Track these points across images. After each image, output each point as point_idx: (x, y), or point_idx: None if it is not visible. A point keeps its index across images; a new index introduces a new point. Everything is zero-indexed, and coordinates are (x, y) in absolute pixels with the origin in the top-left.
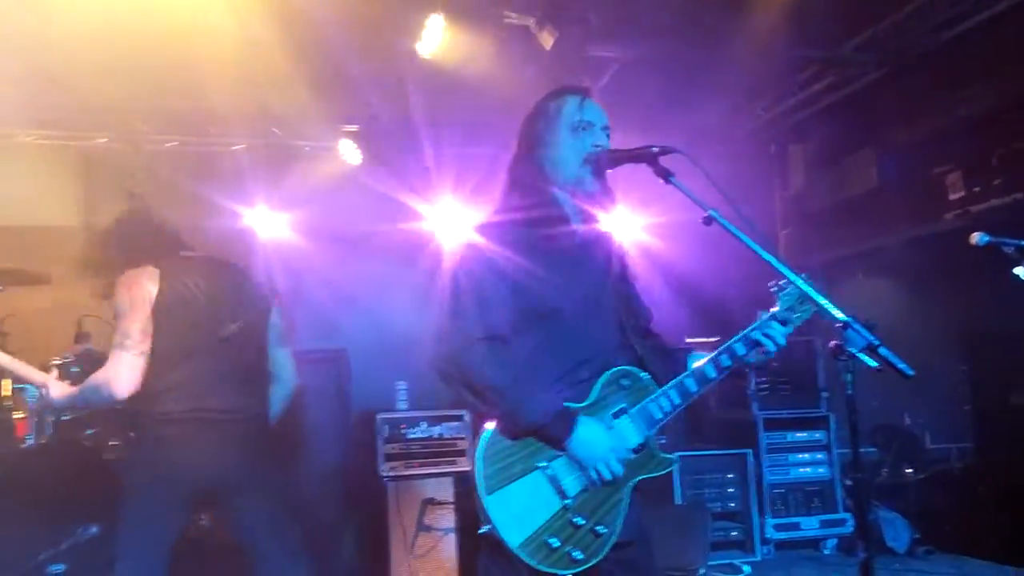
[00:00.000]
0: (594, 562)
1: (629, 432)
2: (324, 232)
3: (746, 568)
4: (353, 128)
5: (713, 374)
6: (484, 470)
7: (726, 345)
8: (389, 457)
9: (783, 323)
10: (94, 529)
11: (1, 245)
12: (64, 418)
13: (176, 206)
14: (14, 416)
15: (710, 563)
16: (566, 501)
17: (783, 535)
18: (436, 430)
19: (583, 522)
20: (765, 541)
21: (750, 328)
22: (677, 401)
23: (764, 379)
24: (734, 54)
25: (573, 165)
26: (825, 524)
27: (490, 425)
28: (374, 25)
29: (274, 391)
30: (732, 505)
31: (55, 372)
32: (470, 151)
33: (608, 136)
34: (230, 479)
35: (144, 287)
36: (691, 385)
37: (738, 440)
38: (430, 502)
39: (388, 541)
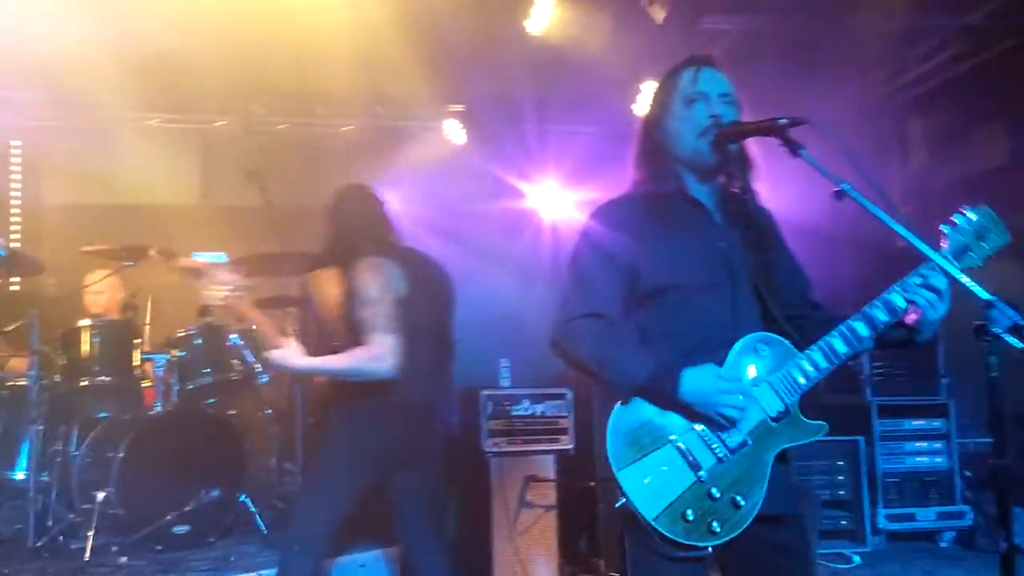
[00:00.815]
0: (735, 534)
1: (768, 399)
2: (428, 211)
3: (856, 558)
4: (459, 108)
5: (866, 332)
6: (615, 445)
7: (881, 298)
8: (492, 433)
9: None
10: (215, 493)
11: (130, 223)
12: (188, 387)
13: (286, 186)
14: (143, 384)
15: (819, 551)
16: (700, 473)
17: (896, 526)
18: (539, 408)
19: (720, 494)
20: (876, 531)
21: (908, 275)
22: (823, 364)
23: (879, 363)
24: (854, 24)
25: (689, 138)
26: (942, 516)
27: (619, 401)
28: (483, 3)
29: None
30: (842, 493)
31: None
32: (575, 129)
33: (730, 104)
34: (408, 454)
35: (389, 276)
36: (839, 345)
37: (849, 426)
38: (532, 479)
39: (490, 517)
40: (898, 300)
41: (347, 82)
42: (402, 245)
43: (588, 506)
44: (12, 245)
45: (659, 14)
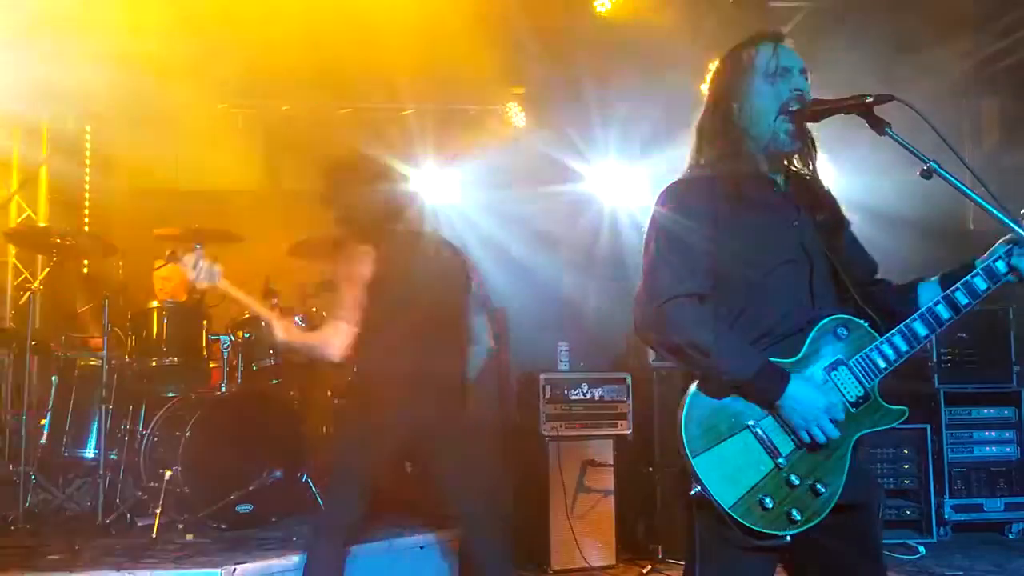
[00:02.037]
0: (815, 522)
1: (848, 384)
2: (487, 193)
3: (921, 549)
4: (520, 90)
5: (947, 315)
6: (689, 431)
7: (963, 281)
8: (550, 417)
9: None
10: (278, 473)
11: (197, 207)
12: (252, 368)
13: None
14: (210, 365)
15: (882, 542)
16: (779, 460)
17: (962, 516)
18: (597, 392)
19: (799, 481)
20: (942, 522)
21: (989, 258)
22: (904, 348)
23: (948, 349)
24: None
25: (770, 115)
26: (1011, 507)
27: (692, 386)
28: None
29: (473, 353)
30: (907, 482)
31: (277, 312)
32: (638, 111)
33: (807, 80)
34: (425, 431)
35: (358, 267)
36: (920, 329)
37: (915, 414)
38: (590, 463)
39: (548, 500)
40: (980, 283)
41: (408, 65)
42: (406, 229)
43: (646, 492)
44: (83, 229)
45: None
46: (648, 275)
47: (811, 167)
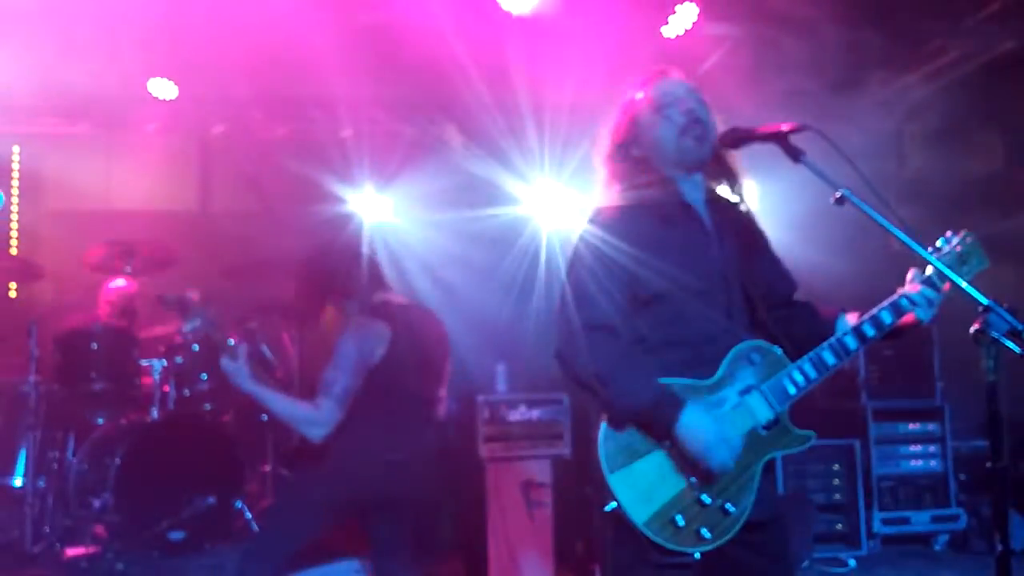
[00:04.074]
0: (723, 541)
1: (759, 408)
2: (424, 216)
3: (851, 562)
4: (455, 112)
5: (854, 345)
6: (607, 448)
7: (871, 315)
8: (488, 438)
9: (934, 288)
10: (211, 499)
11: (129, 227)
12: (185, 393)
13: (287, 191)
14: (141, 390)
15: (814, 556)
16: (692, 479)
17: (891, 529)
18: (535, 413)
19: (710, 500)
20: (871, 535)
21: (896, 296)
22: (813, 375)
23: (875, 367)
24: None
25: (671, 141)
26: (937, 520)
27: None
28: None
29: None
30: (837, 497)
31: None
32: (573, 133)
33: (698, 98)
34: (380, 509)
35: (372, 346)
36: (828, 358)
37: (844, 430)
38: (528, 484)
39: (486, 522)
40: (886, 317)
41: (344, 87)
42: (396, 302)
43: (585, 511)
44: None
45: None
46: (566, 306)
47: (735, 191)
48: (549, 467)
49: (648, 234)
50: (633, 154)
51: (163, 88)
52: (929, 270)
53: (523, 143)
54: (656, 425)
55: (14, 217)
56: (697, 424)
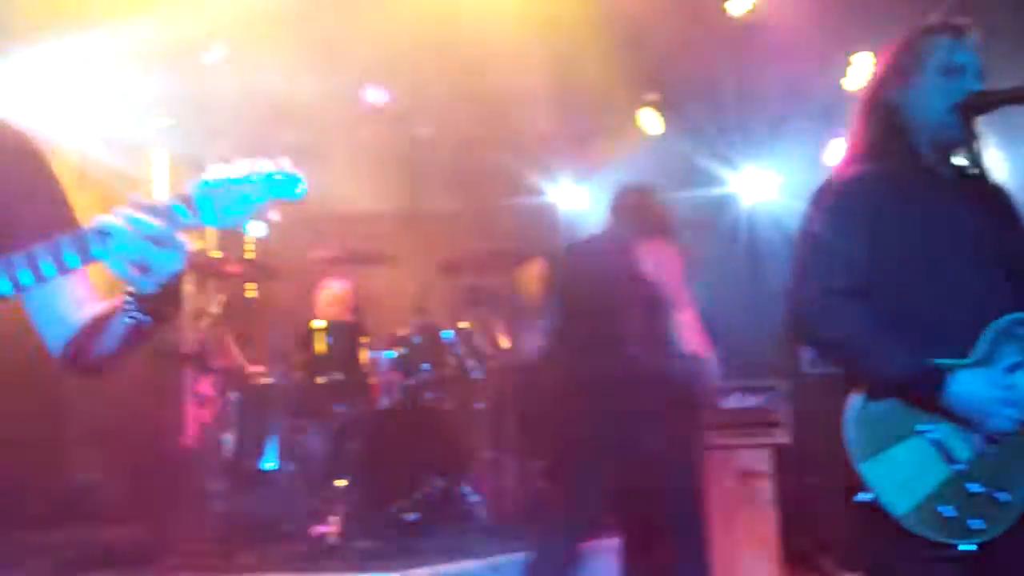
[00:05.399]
0: (997, 532)
1: None
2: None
3: None
4: (654, 96)
5: None
6: (856, 435)
7: None
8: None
9: None
10: (440, 482)
11: (347, 230)
12: (409, 382)
13: (486, 185)
14: (369, 381)
15: None
16: (956, 466)
17: None
18: (751, 400)
19: (980, 489)
20: None
21: None
22: None
23: None
24: None
25: (939, 112)
26: None
27: (856, 390)
28: None
29: None
30: None
31: None
32: (779, 110)
33: (981, 80)
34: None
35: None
36: None
37: None
38: (747, 474)
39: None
40: None
41: (541, 78)
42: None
43: (811, 502)
44: (247, 256)
45: None
46: (802, 269)
47: (980, 163)
48: (768, 456)
49: (890, 205)
50: (893, 108)
51: (376, 95)
52: None
53: (726, 123)
54: (923, 390)
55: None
56: (975, 385)
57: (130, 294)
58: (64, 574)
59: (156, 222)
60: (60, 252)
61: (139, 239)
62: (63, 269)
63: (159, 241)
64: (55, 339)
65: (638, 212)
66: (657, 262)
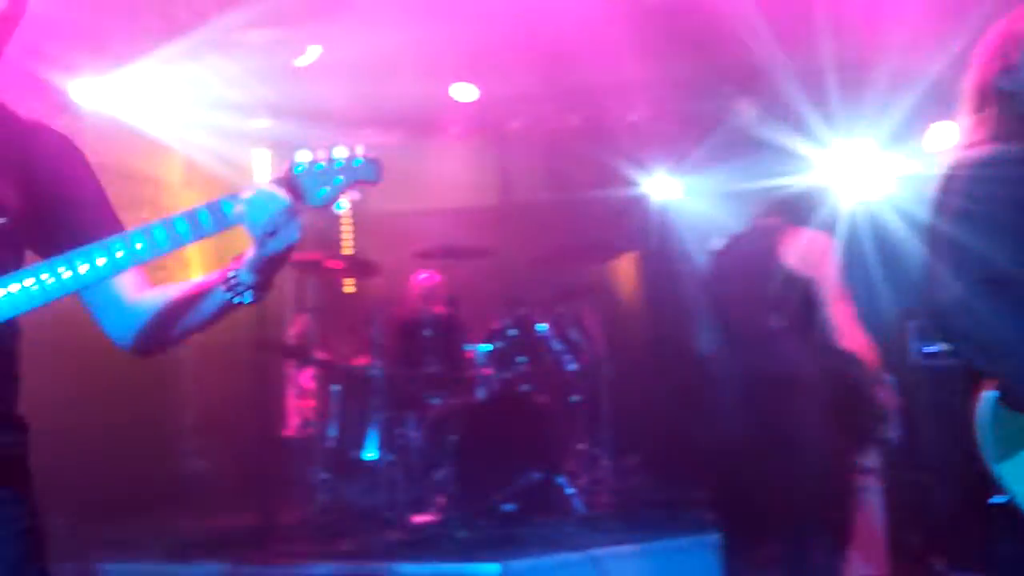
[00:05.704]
0: None
1: None
2: (718, 192)
3: None
4: (748, 85)
5: None
6: (990, 434)
7: None
8: None
9: None
10: (536, 474)
11: (442, 224)
12: (506, 375)
13: (577, 177)
14: (466, 373)
15: None
16: None
17: None
18: None
19: None
20: None
21: None
22: None
23: None
24: None
25: None
26: None
27: (992, 385)
28: None
29: None
30: None
31: None
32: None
33: None
34: None
35: None
36: None
37: None
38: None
39: None
40: None
41: (633, 71)
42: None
43: (923, 499)
44: (345, 252)
45: None
46: (946, 258)
47: None
48: (875, 451)
49: None
50: (1002, 101)
51: (464, 92)
52: None
53: (824, 107)
54: None
55: (345, 221)
56: None
57: (234, 271)
58: (175, 558)
59: (281, 194)
60: (195, 217)
61: (268, 206)
62: (199, 232)
63: (283, 212)
64: (117, 326)
65: (789, 205)
66: (810, 255)
